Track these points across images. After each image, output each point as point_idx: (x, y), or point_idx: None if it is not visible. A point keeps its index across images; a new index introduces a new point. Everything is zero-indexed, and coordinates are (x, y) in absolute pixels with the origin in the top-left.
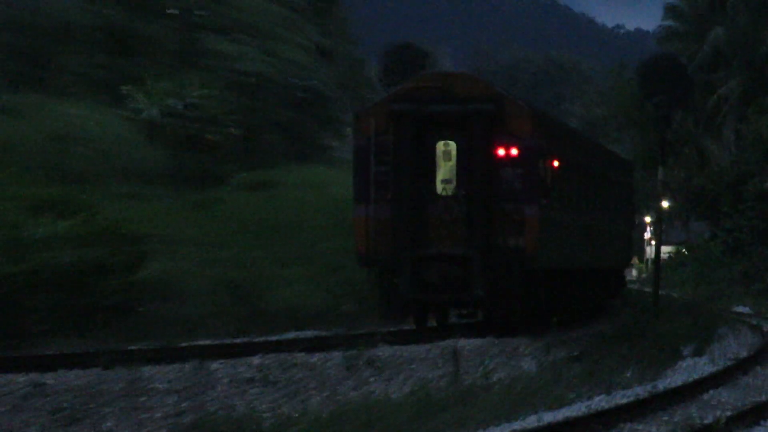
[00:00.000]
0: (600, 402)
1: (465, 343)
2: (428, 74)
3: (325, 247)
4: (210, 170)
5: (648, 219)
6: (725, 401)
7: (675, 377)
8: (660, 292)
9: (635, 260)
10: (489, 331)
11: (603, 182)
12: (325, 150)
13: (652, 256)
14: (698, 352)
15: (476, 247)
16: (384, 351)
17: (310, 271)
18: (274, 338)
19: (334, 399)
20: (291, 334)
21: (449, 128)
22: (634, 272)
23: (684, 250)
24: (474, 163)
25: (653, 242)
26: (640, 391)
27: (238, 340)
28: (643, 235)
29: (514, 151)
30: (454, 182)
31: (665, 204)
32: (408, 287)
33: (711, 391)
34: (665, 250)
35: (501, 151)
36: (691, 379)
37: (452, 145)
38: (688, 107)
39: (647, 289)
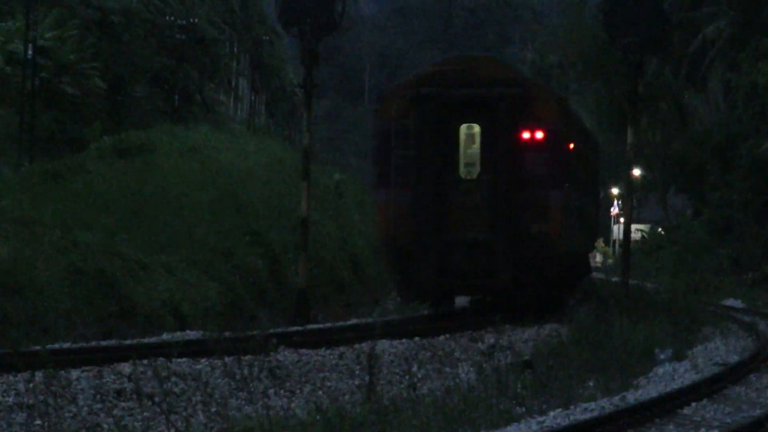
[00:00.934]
0: (556, 418)
1: (386, 347)
2: (452, 57)
3: (212, 228)
4: (67, 132)
5: (615, 192)
6: (710, 417)
7: (648, 387)
8: (630, 282)
9: (600, 243)
10: (512, 316)
11: (582, 160)
12: (212, 107)
13: (621, 237)
14: (677, 357)
15: (500, 232)
16: (286, 356)
17: (193, 256)
18: (149, 340)
19: (223, 416)
20: (170, 336)
21: (473, 112)
22: (599, 257)
23: (660, 231)
24: (498, 147)
25: (621, 220)
26: (606, 404)
27: (104, 343)
28: (609, 212)
29: (539, 136)
30: (478, 166)
31: (637, 173)
32: (431, 272)
33: (693, 405)
34: (637, 229)
35: (526, 136)
36: (668, 390)
37: (476, 129)
38: (665, 52)
39: (614, 279)
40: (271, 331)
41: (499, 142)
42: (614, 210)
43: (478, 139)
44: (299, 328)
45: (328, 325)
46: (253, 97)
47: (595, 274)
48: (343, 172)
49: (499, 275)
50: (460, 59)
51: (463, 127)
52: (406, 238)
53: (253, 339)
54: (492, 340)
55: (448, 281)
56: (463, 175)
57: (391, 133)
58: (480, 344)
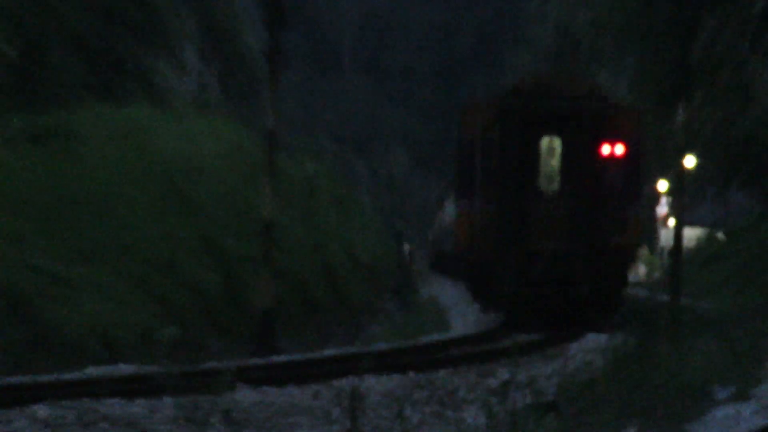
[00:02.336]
0: None
1: (372, 384)
2: (536, 72)
3: (152, 234)
4: None
5: (662, 187)
6: None
7: None
8: (682, 301)
9: (643, 251)
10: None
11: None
12: (151, 81)
13: (669, 243)
14: (741, 396)
15: (580, 243)
16: (246, 396)
17: (127, 269)
18: (70, 376)
19: None
20: (97, 370)
21: (555, 125)
22: (642, 269)
23: (720, 236)
24: (579, 160)
25: (670, 223)
26: None
27: (13, 380)
28: (653, 213)
29: (619, 150)
30: (559, 179)
31: (690, 163)
32: (513, 283)
33: None
34: (690, 235)
35: (606, 149)
36: None
37: (557, 142)
38: (726, 11)
39: (662, 297)
40: (227, 363)
41: (580, 156)
42: (661, 210)
43: (558, 152)
44: (261, 360)
45: (299, 356)
46: (202, 68)
47: (636, 291)
48: (318, 163)
49: (578, 285)
50: (544, 75)
51: (545, 140)
52: (488, 249)
53: (203, 374)
54: (506, 375)
55: (529, 291)
56: (544, 188)
57: (475, 145)
58: (491, 380)
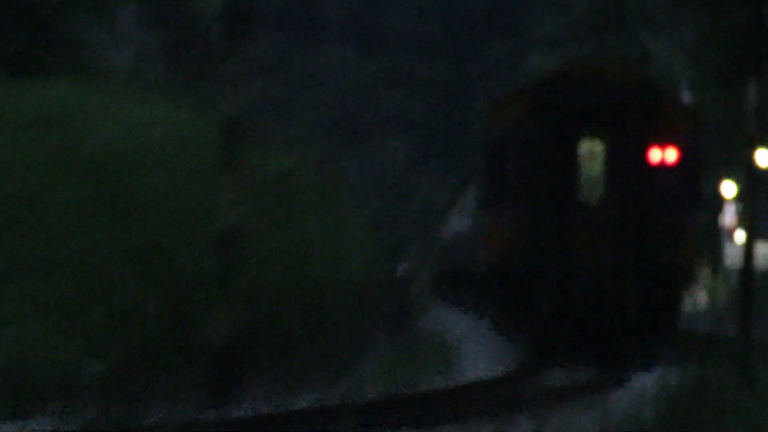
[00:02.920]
0: None
1: None
2: (577, 59)
3: (79, 246)
4: None
5: (728, 189)
6: None
7: None
8: (755, 334)
9: (704, 273)
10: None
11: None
12: (78, 53)
13: (739, 262)
14: None
15: (629, 259)
16: None
17: (46, 293)
18: None
19: None
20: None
21: (599, 123)
22: (703, 295)
23: None
24: (625, 163)
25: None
26: None
27: None
28: (716, 221)
29: (673, 152)
30: (602, 185)
31: (765, 157)
32: (552, 301)
33: None
34: (764, 251)
35: (657, 151)
36: None
37: (602, 143)
38: None
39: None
40: (172, 417)
41: (627, 158)
42: (727, 220)
43: (603, 155)
44: (218, 412)
45: (265, 409)
46: (143, 37)
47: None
48: (294, 157)
49: (626, 305)
50: (586, 62)
51: (587, 140)
52: (521, 263)
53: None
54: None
55: (570, 310)
56: (584, 195)
57: (506, 145)
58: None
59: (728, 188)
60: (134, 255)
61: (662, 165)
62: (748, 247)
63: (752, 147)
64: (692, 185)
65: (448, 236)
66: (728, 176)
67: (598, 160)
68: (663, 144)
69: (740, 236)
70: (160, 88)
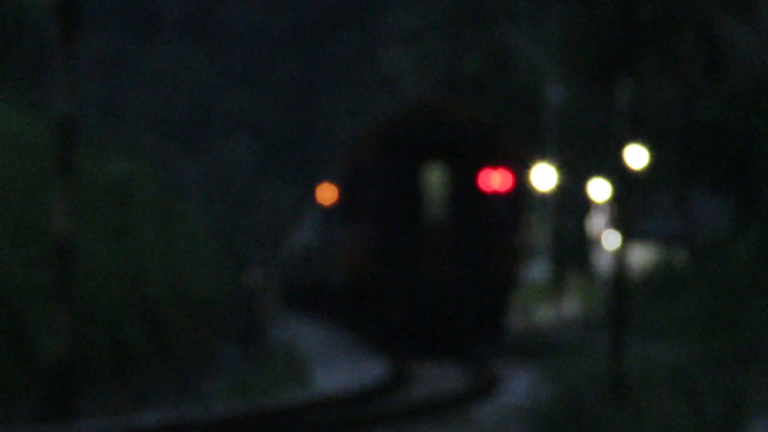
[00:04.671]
0: None
1: None
2: (419, 101)
3: None
4: None
5: (600, 190)
6: None
7: None
8: (627, 349)
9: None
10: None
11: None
12: None
13: (612, 267)
14: None
15: (463, 270)
16: None
17: None
18: None
19: None
20: None
21: (438, 156)
22: (571, 303)
23: (680, 257)
24: (460, 190)
25: (609, 239)
26: None
27: None
28: (582, 224)
29: (500, 179)
30: (443, 206)
31: (638, 157)
32: (401, 307)
33: None
34: (639, 256)
35: (486, 180)
36: None
37: (440, 170)
38: None
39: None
40: None
41: (460, 186)
42: (599, 220)
43: (443, 181)
44: (55, 430)
45: (105, 422)
46: None
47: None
48: (131, 162)
49: (465, 312)
50: (427, 103)
51: (429, 171)
52: (374, 278)
53: None
54: None
55: (417, 319)
56: (428, 217)
57: (360, 173)
58: None
59: (600, 190)
60: None
61: (490, 190)
62: (622, 250)
63: (622, 143)
64: (515, 207)
65: (298, 248)
66: (600, 173)
67: (439, 188)
68: (491, 172)
69: (610, 240)
70: None
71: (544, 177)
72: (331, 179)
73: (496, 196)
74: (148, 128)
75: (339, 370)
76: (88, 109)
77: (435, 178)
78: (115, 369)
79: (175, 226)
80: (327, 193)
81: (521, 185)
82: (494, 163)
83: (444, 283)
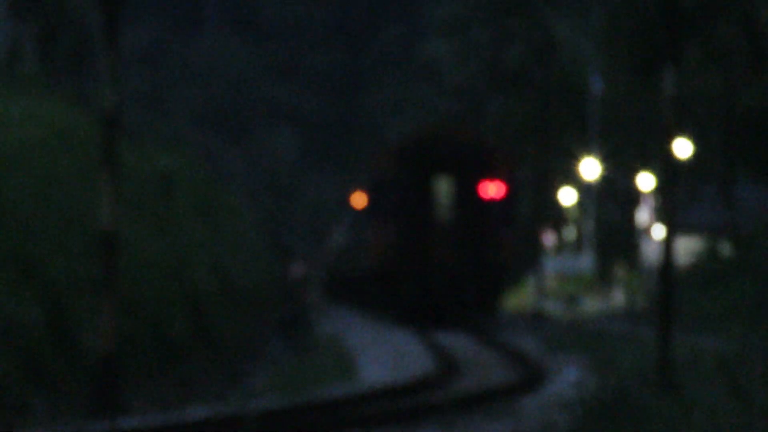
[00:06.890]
0: None
1: None
2: (431, 123)
3: None
4: None
5: (644, 181)
6: None
7: None
8: (675, 338)
9: (619, 267)
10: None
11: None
12: None
13: (658, 259)
14: None
15: (466, 260)
16: None
17: None
18: None
19: None
20: None
21: (445, 169)
22: (619, 294)
23: (725, 248)
24: (464, 196)
25: (656, 231)
26: None
27: None
28: (630, 215)
29: (494, 189)
30: (450, 210)
31: (682, 150)
32: (415, 291)
33: None
34: (685, 247)
35: (484, 187)
36: None
37: (448, 181)
38: None
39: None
40: (56, 428)
41: (464, 193)
42: (643, 213)
43: (450, 191)
44: (102, 425)
45: (153, 418)
46: (14, 27)
47: (613, 322)
48: (176, 155)
49: (464, 290)
50: (436, 126)
51: (439, 181)
52: (395, 266)
53: None
54: None
55: (428, 299)
56: (438, 218)
57: (383, 182)
58: None
59: (645, 181)
60: (8, 261)
61: (487, 197)
62: (668, 242)
63: (669, 137)
64: (508, 210)
65: (337, 245)
66: (644, 166)
67: (446, 195)
68: (488, 183)
69: (658, 231)
70: (31, 81)
71: (588, 168)
72: (361, 187)
73: (492, 202)
74: (192, 120)
75: (384, 362)
76: (132, 102)
77: (443, 188)
78: (160, 362)
79: (220, 218)
80: (358, 199)
81: (512, 193)
82: (491, 175)
83: (450, 270)
